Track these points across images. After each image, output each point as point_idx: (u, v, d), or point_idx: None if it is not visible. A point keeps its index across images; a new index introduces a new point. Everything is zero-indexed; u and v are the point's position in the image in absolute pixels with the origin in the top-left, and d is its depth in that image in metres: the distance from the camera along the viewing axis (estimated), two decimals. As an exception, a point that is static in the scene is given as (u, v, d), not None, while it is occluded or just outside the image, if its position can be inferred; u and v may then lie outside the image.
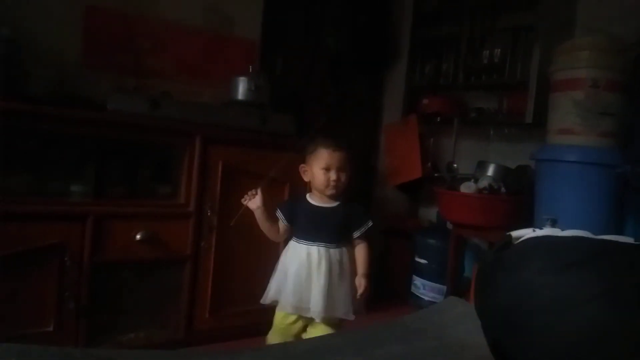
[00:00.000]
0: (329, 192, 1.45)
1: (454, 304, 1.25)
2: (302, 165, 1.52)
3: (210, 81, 2.26)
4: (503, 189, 2.10)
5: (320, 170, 1.44)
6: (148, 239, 1.73)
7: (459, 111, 2.65)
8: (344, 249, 1.48)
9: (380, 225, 3.03)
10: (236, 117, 1.96)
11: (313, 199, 1.51)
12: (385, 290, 2.73)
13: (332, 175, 1.43)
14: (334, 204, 1.49)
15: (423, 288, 2.43)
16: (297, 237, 1.48)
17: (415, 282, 2.49)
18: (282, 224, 1.50)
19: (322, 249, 1.44)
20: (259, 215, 1.46)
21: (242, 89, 2.07)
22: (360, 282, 1.41)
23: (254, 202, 1.45)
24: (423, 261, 2.45)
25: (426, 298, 2.40)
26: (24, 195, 1.59)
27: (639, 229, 1.84)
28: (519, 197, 2.09)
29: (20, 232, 1.52)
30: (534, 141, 2.18)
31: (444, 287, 2.31)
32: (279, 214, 1.50)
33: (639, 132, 1.73)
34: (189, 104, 1.92)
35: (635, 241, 0.72)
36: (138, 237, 1.71)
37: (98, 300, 1.67)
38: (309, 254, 1.43)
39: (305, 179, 1.52)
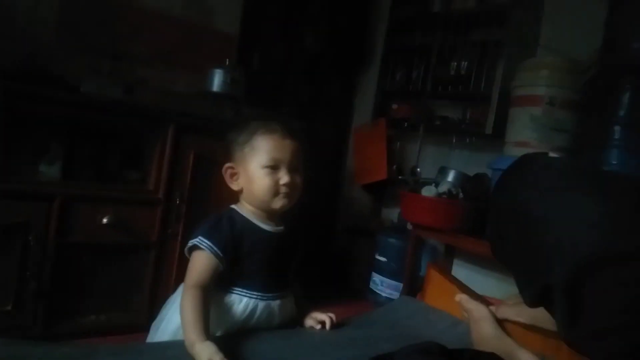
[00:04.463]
0: (279, 203, 0.96)
1: (406, 302, 1.35)
2: (227, 165, 1.00)
3: (186, 71, 2.27)
4: (461, 195, 2.20)
5: (262, 170, 0.94)
6: (115, 224, 1.73)
7: (425, 118, 2.75)
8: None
9: (345, 223, 3.12)
10: (210, 108, 1.98)
11: (257, 219, 0.99)
12: (344, 286, 2.82)
13: (284, 177, 0.94)
14: (281, 226, 1.02)
15: (381, 285, 2.52)
16: (243, 287, 0.95)
17: (374, 278, 2.57)
18: (211, 264, 0.90)
19: (287, 303, 1.02)
20: None
21: (217, 80, 2.09)
22: (320, 316, 1.03)
23: None
24: (383, 259, 2.53)
25: (383, 294, 2.49)
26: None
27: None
28: (475, 203, 2.20)
29: (-15, 209, 1.51)
30: (492, 151, 2.29)
31: (401, 285, 2.40)
32: (206, 244, 0.90)
33: (588, 149, 1.86)
34: (164, 92, 1.94)
35: None
36: (105, 220, 1.71)
37: (60, 281, 1.67)
38: (271, 314, 0.97)
39: (235, 187, 1.00)
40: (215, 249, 0.91)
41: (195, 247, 0.92)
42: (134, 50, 2.13)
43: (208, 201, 1.97)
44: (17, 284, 1.58)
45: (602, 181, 0.70)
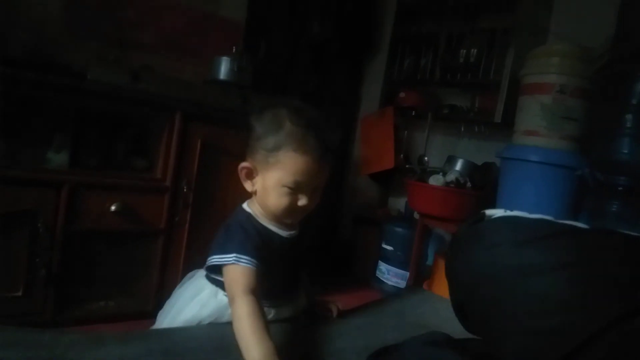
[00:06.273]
0: (290, 220, 0.91)
1: (413, 290, 1.36)
2: (244, 165, 0.90)
3: (192, 59, 2.26)
4: (469, 184, 2.19)
5: (281, 189, 0.85)
6: (123, 211, 1.75)
7: (433, 106, 2.73)
8: None
9: (351, 213, 3.12)
10: (217, 96, 1.98)
11: (272, 225, 0.91)
12: (351, 275, 2.83)
13: (302, 199, 0.86)
14: (295, 230, 0.94)
15: (387, 273, 2.53)
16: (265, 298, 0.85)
17: (380, 267, 2.58)
18: (254, 273, 0.81)
19: (298, 304, 0.99)
20: None
21: (224, 68, 2.09)
22: (326, 305, 1.04)
23: None
24: (389, 248, 2.54)
25: (390, 283, 2.50)
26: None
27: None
28: (483, 192, 2.19)
29: (-6, 197, 1.52)
30: (501, 140, 2.28)
31: (407, 273, 2.41)
32: (246, 259, 0.82)
33: (599, 138, 1.83)
34: (170, 80, 1.93)
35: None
36: (113, 208, 1.73)
37: (69, 268, 1.69)
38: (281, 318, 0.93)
39: (249, 187, 0.91)
40: (255, 261, 0.82)
41: (232, 264, 0.82)
42: (141, 37, 2.13)
43: (215, 189, 1.97)
44: (27, 271, 1.60)
45: (563, 247, 0.68)
